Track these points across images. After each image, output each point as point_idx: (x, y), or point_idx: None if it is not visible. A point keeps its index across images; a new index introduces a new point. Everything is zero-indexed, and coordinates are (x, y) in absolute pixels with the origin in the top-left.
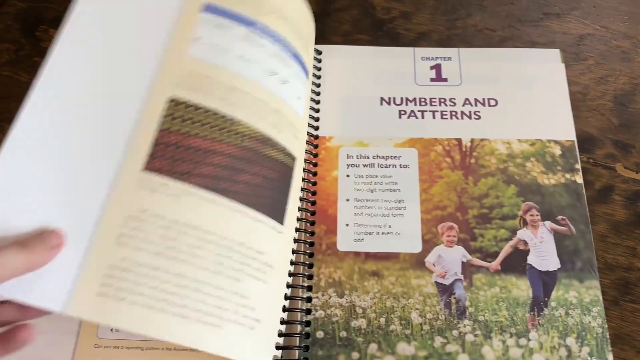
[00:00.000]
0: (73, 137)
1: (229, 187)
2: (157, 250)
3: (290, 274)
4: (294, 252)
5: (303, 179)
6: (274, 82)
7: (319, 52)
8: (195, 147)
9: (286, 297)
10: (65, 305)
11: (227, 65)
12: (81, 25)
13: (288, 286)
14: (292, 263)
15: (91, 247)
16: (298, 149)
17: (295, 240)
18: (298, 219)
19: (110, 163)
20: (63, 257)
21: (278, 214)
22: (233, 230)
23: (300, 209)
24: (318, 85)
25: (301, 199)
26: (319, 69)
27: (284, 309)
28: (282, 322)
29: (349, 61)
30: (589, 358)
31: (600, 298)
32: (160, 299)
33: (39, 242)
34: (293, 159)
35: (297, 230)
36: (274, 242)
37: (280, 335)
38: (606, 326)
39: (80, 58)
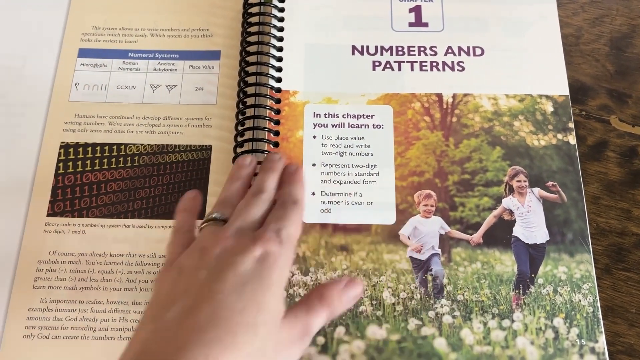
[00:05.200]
0: None
1: (128, 207)
2: (71, 285)
3: None
4: None
5: (262, 140)
6: (160, 93)
7: None
8: (90, 182)
9: None
10: None
11: (107, 99)
12: None
13: None
14: None
15: (11, 296)
16: (214, 135)
17: None
18: None
19: (17, 216)
20: None
21: None
22: (140, 246)
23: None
24: (280, 30)
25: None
26: (282, 10)
27: None
28: None
29: (317, 1)
30: (578, 340)
31: (593, 274)
32: (81, 327)
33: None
34: (208, 148)
35: None
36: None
37: None
38: (598, 305)
39: None
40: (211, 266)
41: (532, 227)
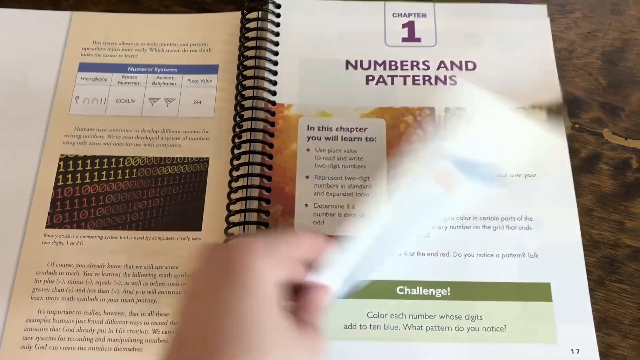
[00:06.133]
0: None
1: (126, 219)
2: (69, 296)
3: None
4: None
5: (258, 152)
6: (158, 106)
7: (278, 6)
8: (89, 194)
9: None
10: None
11: (106, 112)
12: None
13: None
14: None
15: (10, 307)
16: (211, 148)
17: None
18: (248, 199)
19: (17, 227)
20: None
21: (191, 223)
22: (137, 257)
23: (250, 187)
24: (276, 44)
25: (255, 175)
26: (278, 25)
27: None
28: None
29: (312, 17)
30: None
31: None
32: (78, 338)
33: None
34: (205, 160)
35: (249, 210)
36: (189, 251)
37: None
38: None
39: None
40: None
41: None
